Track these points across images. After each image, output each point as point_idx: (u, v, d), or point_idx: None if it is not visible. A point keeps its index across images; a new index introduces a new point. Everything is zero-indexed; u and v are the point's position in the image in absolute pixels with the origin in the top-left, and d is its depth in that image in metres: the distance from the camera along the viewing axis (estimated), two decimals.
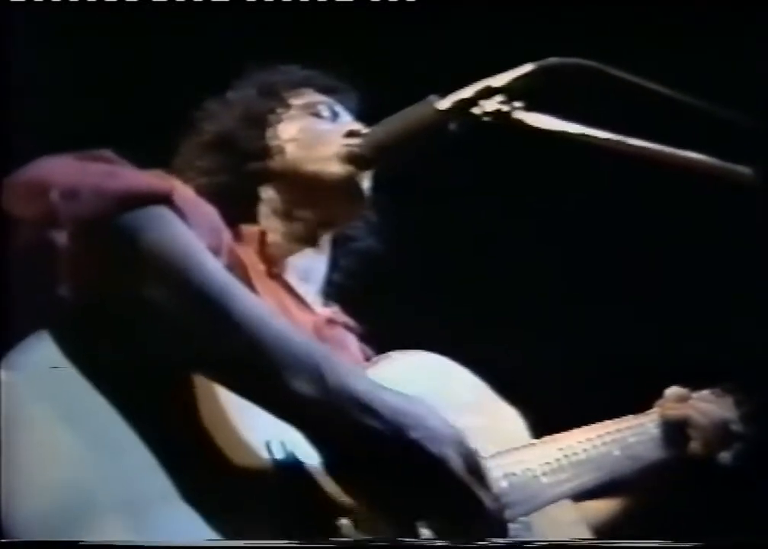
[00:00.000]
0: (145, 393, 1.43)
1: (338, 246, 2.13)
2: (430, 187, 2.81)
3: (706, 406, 2.19)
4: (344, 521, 1.49)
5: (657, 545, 1.56)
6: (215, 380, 1.47)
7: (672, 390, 2.20)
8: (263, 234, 1.99)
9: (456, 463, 1.53)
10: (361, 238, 2.18)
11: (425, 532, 1.54)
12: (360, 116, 2.13)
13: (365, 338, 2.08)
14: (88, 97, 2.57)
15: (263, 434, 1.50)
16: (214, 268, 1.47)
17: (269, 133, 2.07)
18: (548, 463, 1.84)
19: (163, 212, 1.46)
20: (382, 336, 2.05)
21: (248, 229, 1.99)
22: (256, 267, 1.92)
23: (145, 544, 1.35)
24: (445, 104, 1.79)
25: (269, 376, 1.43)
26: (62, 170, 1.46)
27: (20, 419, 1.36)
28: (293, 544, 1.43)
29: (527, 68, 1.69)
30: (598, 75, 1.62)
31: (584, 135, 1.60)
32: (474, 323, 2.91)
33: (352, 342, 2.05)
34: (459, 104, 1.75)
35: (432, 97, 1.83)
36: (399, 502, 1.51)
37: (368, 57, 2.52)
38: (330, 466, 1.51)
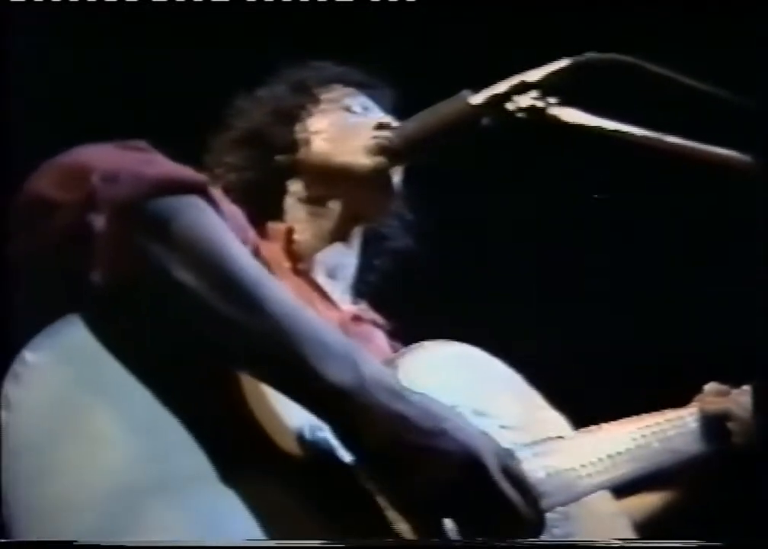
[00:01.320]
0: (178, 378, 1.43)
1: (371, 245, 2.12)
2: (462, 183, 2.80)
3: (746, 400, 2.16)
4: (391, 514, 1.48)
5: (660, 545, 1.54)
6: (247, 370, 1.46)
7: (711, 386, 2.18)
8: (290, 231, 1.99)
9: (491, 458, 1.50)
10: (396, 237, 2.17)
11: (450, 526, 1.52)
12: (394, 112, 2.11)
13: (395, 334, 2.06)
14: (104, 98, 2.58)
15: (303, 420, 1.49)
16: (247, 258, 1.47)
17: (298, 127, 2.07)
18: (586, 454, 1.81)
19: (198, 201, 1.47)
20: (413, 333, 2.03)
21: (275, 226, 2.00)
22: (282, 264, 1.93)
23: (145, 544, 1.33)
24: (478, 99, 1.77)
25: (303, 365, 1.42)
26: (101, 156, 1.47)
27: (46, 402, 1.35)
28: (305, 543, 1.41)
29: (562, 63, 1.67)
30: (635, 71, 1.59)
31: (619, 131, 1.58)
32: (510, 319, 2.90)
33: (380, 338, 2.04)
34: (493, 99, 1.73)
35: (465, 92, 1.81)
36: (429, 495, 1.48)
37: (402, 52, 2.51)
38: (360, 460, 1.49)
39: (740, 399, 2.17)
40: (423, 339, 1.88)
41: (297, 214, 2.03)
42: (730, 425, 2.14)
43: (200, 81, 2.61)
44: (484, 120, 1.77)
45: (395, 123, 2.02)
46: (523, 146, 2.19)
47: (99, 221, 1.40)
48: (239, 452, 1.43)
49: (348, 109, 2.10)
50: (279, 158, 2.05)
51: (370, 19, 2.42)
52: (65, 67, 2.36)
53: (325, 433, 1.49)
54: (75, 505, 1.31)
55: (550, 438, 1.78)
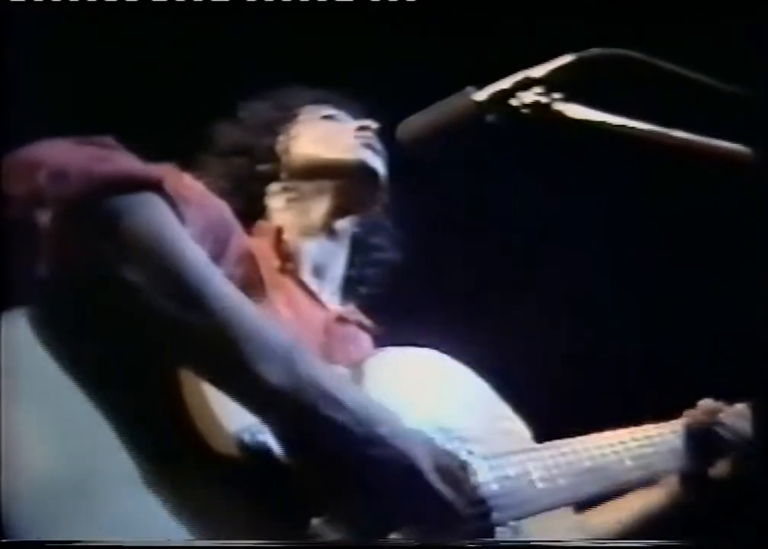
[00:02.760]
0: (119, 375, 1.42)
1: (359, 254, 2.15)
2: (463, 178, 2.80)
3: (736, 422, 2.10)
4: (315, 521, 1.46)
5: (657, 545, 1.51)
6: (187, 366, 1.46)
7: (705, 402, 2.11)
8: (279, 230, 2.04)
9: (425, 462, 1.49)
10: (383, 249, 2.21)
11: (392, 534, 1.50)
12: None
13: (381, 339, 2.06)
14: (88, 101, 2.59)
15: (241, 422, 1.49)
16: (192, 254, 1.46)
17: (281, 135, 2.19)
18: (547, 468, 1.78)
19: (149, 197, 1.46)
20: (400, 338, 2.02)
21: (264, 225, 2.07)
22: (270, 262, 1.94)
23: (145, 544, 1.33)
24: (482, 95, 1.75)
25: (240, 363, 1.42)
26: (54, 151, 1.47)
27: None
28: (292, 544, 1.42)
29: (567, 59, 1.65)
30: (641, 66, 1.58)
31: (625, 127, 1.56)
32: (492, 326, 2.88)
33: (364, 340, 2.06)
34: (497, 95, 1.72)
35: (469, 88, 1.79)
36: (365, 501, 1.47)
37: (405, 50, 2.53)
38: (296, 461, 1.48)
39: (729, 421, 2.09)
40: (409, 344, 1.87)
41: (281, 214, 2.07)
42: (715, 448, 2.06)
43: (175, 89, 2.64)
44: (489, 117, 1.76)
45: (374, 125, 2.13)
46: (528, 143, 2.19)
47: (44, 217, 1.40)
48: (173, 453, 1.42)
49: (327, 118, 2.23)
50: (261, 167, 2.16)
51: (371, 15, 2.42)
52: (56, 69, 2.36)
53: (266, 436, 1.49)
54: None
55: (512, 452, 1.76)
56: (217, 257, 1.65)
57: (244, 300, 1.48)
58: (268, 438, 1.49)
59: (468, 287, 3.02)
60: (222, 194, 1.96)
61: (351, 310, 2.09)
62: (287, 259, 2.02)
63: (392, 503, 1.48)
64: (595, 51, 1.64)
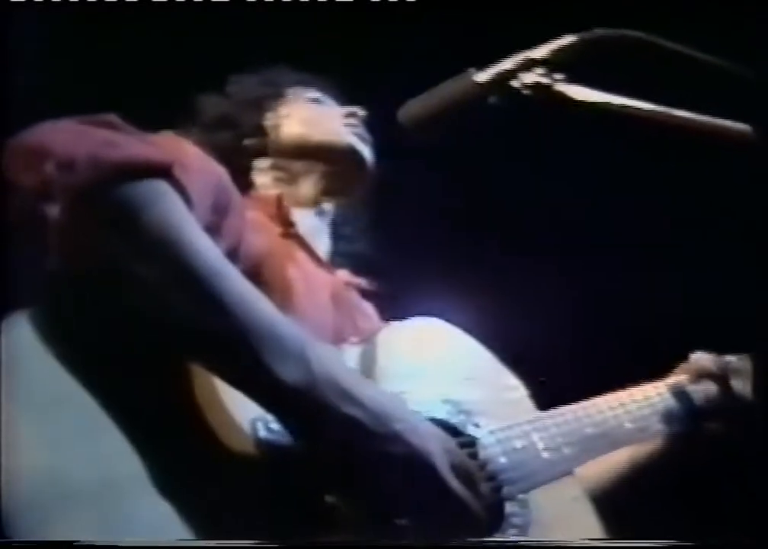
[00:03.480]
0: (129, 371, 1.41)
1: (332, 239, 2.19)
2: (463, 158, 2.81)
3: (730, 380, 2.06)
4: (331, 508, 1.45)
5: (657, 545, 1.51)
6: (200, 362, 1.44)
7: (697, 356, 2.10)
8: (280, 197, 2.07)
9: (440, 459, 1.49)
10: (352, 240, 2.24)
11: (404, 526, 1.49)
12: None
13: (383, 303, 2.08)
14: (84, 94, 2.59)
15: (254, 411, 1.47)
16: (205, 248, 1.44)
17: (267, 114, 2.21)
18: (552, 438, 1.78)
19: (159, 186, 1.44)
20: (402, 303, 2.04)
21: (262, 194, 2.09)
22: (271, 230, 1.94)
23: (145, 544, 1.32)
24: (484, 76, 1.75)
25: (254, 362, 1.40)
26: (61, 137, 1.43)
27: None
28: (291, 544, 1.40)
29: (569, 39, 1.65)
30: (643, 46, 1.58)
31: (627, 107, 1.57)
32: (486, 290, 2.89)
33: (368, 307, 2.08)
34: (499, 76, 1.72)
35: (471, 70, 1.79)
36: (379, 496, 1.46)
37: (406, 32, 2.54)
38: (310, 456, 1.46)
39: (723, 380, 2.05)
40: (408, 304, 1.87)
41: (268, 191, 2.11)
42: (708, 406, 2.04)
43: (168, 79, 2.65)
44: (491, 99, 1.76)
45: (362, 113, 2.19)
46: (530, 125, 2.20)
47: (53, 210, 1.37)
48: (185, 451, 1.40)
49: (315, 101, 2.26)
50: (248, 141, 2.17)
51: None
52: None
53: (279, 428, 1.47)
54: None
55: (518, 423, 1.76)
56: (217, 223, 1.62)
57: (258, 297, 1.46)
58: (281, 430, 1.47)
59: (468, 255, 3.04)
60: None
61: (348, 274, 2.10)
62: (290, 225, 2.03)
63: (405, 499, 1.47)
64: (597, 32, 1.64)
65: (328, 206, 2.19)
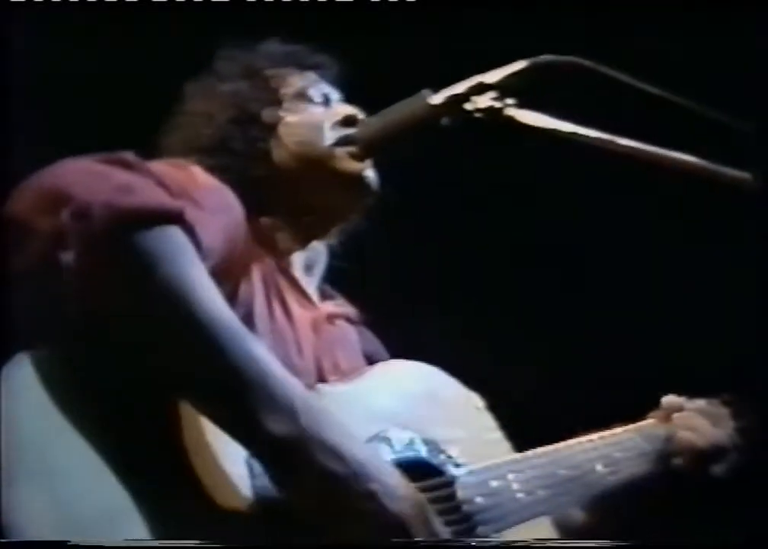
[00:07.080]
0: (130, 413, 1.45)
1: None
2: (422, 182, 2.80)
3: (699, 422, 2.08)
4: None
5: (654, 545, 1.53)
6: (192, 405, 1.48)
7: (668, 399, 2.11)
8: (275, 228, 1.96)
9: (413, 520, 1.52)
10: (340, 257, 2.19)
11: None
12: (343, 88, 2.12)
13: (367, 324, 2.07)
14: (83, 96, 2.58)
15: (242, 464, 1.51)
16: (211, 302, 1.48)
17: (267, 135, 2.01)
18: (527, 480, 1.81)
19: (173, 236, 1.47)
20: (383, 325, 2.05)
21: (262, 222, 1.95)
22: (264, 259, 1.90)
23: (145, 545, 1.36)
24: (438, 98, 1.78)
25: (244, 411, 1.45)
26: (77, 180, 1.46)
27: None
28: (291, 544, 1.46)
29: (520, 65, 1.68)
30: (591, 74, 1.61)
31: (574, 134, 1.60)
32: (464, 330, 2.90)
33: (353, 340, 2.04)
34: (452, 99, 1.75)
35: (425, 91, 1.82)
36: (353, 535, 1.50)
37: (361, 51, 2.50)
38: (289, 498, 1.50)
39: (692, 421, 2.07)
40: (391, 329, 1.89)
41: (275, 217, 2.00)
42: (680, 448, 2.04)
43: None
44: (444, 120, 1.78)
45: (360, 116, 2.01)
46: (480, 146, 2.21)
47: (68, 257, 1.40)
48: (174, 492, 1.44)
49: (309, 99, 2.06)
50: (253, 169, 1.98)
51: (333, 15, 2.41)
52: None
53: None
54: None
55: (496, 464, 1.79)
56: (225, 258, 1.65)
57: (255, 344, 1.50)
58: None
59: (443, 298, 3.03)
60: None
61: (340, 303, 2.07)
62: (281, 257, 1.95)
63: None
64: (548, 58, 1.67)
65: (332, 231, 2.08)
